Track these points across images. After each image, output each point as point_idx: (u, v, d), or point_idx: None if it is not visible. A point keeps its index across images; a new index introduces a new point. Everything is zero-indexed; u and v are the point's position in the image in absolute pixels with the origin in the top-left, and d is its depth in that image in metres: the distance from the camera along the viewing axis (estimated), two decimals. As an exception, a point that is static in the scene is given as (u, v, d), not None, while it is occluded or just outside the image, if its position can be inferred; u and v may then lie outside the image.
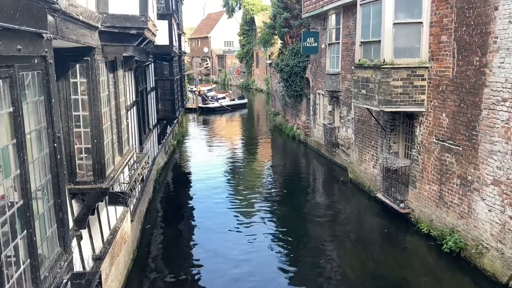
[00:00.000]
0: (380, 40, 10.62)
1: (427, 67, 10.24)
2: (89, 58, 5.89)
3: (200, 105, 34.04)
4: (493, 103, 8.23)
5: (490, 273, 8.39)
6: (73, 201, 6.16)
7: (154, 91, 15.49)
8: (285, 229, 11.66)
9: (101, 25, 6.26)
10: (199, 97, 34.18)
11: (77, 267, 6.04)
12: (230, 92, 40.84)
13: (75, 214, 6.19)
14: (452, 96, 9.46)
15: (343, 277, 9.21)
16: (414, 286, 8.75)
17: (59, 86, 5.72)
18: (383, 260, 9.72)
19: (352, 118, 15.12)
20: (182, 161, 20.21)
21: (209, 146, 23.20)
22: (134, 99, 10.73)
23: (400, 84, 10.40)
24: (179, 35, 19.86)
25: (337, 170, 16.47)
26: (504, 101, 7.98)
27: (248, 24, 49.11)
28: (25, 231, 3.57)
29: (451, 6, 9.38)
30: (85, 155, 6.15)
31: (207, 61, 68.37)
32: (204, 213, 12.87)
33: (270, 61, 29.06)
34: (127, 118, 8.43)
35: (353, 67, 12.53)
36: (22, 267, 3.53)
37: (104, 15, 6.41)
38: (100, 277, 5.45)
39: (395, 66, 10.37)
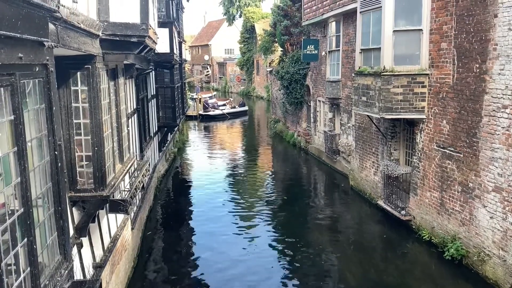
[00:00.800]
0: (380, 47, 10.65)
1: (427, 74, 10.26)
2: (90, 66, 5.91)
3: (201, 112, 34.10)
4: (494, 110, 8.23)
5: (492, 281, 8.35)
6: (73, 208, 6.15)
7: (155, 99, 15.52)
8: (286, 236, 11.62)
9: (102, 33, 6.29)
10: (199, 104, 34.25)
11: (78, 275, 6.02)
12: (231, 99, 40.93)
13: (76, 222, 6.17)
14: (452, 103, 9.46)
15: (344, 284, 9.17)
16: (416, 293, 8.72)
17: (60, 94, 5.73)
18: (384, 268, 9.67)
19: (352, 125, 15.13)
20: (182, 168, 20.20)
21: (210, 153, 23.19)
22: (135, 106, 10.75)
23: (400, 91, 10.42)
24: (180, 43, 19.93)
25: (338, 177, 16.45)
26: (504, 108, 7.98)
27: (249, 32, 49.32)
28: (26, 239, 3.56)
29: (450, 13, 9.41)
30: (86, 162, 6.15)
31: (207, 68, 68.60)
32: (205, 220, 12.83)
33: (271, 69, 29.13)
34: (128, 126, 8.44)
35: (353, 74, 12.55)
36: (22, 276, 3.52)
37: (105, 23, 6.44)
38: (100, 285, 5.44)
39: (395, 73, 10.39)
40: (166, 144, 18.04)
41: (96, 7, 6.33)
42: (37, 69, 3.78)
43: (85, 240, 6.53)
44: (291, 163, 20.46)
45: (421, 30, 10.27)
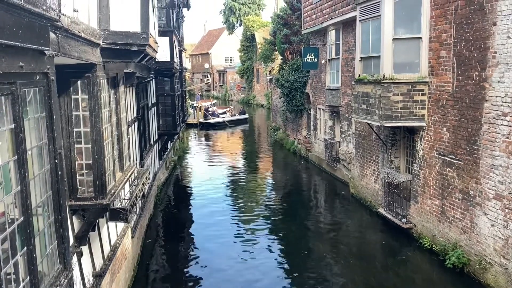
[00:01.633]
0: (379, 56, 10.68)
1: (427, 82, 10.28)
2: (90, 75, 5.92)
3: (201, 120, 34.15)
4: (494, 117, 8.24)
5: (494, 289, 8.31)
6: (73, 217, 6.13)
7: (155, 107, 15.55)
8: (286, 244, 11.58)
9: (102, 42, 6.31)
10: (200, 112, 34.31)
11: (78, 285, 5.99)
12: (232, 107, 41.00)
13: (76, 230, 6.16)
14: (452, 110, 9.47)
15: (345, 293, 9.13)
16: (417, 302, 8.66)
17: (61, 102, 5.74)
18: (385, 276, 9.62)
19: (352, 133, 15.14)
20: (183, 176, 20.18)
21: (210, 161, 23.17)
22: (135, 115, 10.76)
23: (400, 99, 10.43)
24: (180, 51, 20.00)
25: (339, 185, 16.42)
26: (504, 115, 7.99)
27: (249, 40, 49.53)
28: (25, 248, 3.54)
29: (449, 21, 9.45)
30: (86, 171, 6.15)
31: (208, 77, 68.78)
32: (205, 228, 12.79)
33: (271, 77, 29.22)
34: (128, 134, 8.44)
35: (353, 82, 12.58)
36: (21, 285, 3.50)
37: (106, 32, 6.47)
38: (100, 295, 5.40)
39: (395, 81, 10.41)
40: (167, 152, 18.04)
41: (96, 16, 6.36)
42: (38, 78, 3.79)
43: (85, 249, 6.51)
44: (291, 171, 20.44)
45: (420, 38, 10.30)
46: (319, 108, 18.97)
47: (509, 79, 7.86)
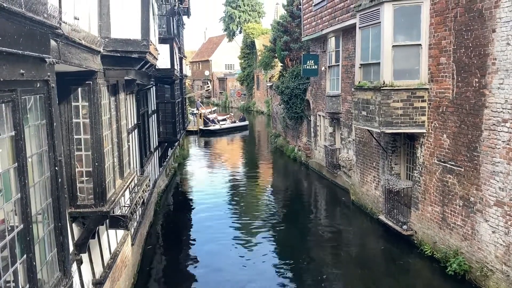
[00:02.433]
0: (379, 62, 10.71)
1: (427, 89, 10.29)
2: (91, 82, 5.93)
3: (201, 127, 34.19)
4: (494, 124, 8.24)
5: (495, 296, 8.26)
6: (73, 224, 6.11)
7: (155, 114, 15.56)
8: (287, 251, 11.53)
9: (103, 49, 6.33)
10: (200, 119, 34.35)
11: (77, 292, 5.96)
12: (232, 114, 41.05)
13: (76, 238, 6.14)
14: (452, 117, 9.48)
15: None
16: (418, 309, 8.62)
17: (61, 109, 5.75)
18: (386, 283, 9.58)
19: (353, 140, 15.14)
20: (183, 183, 20.15)
21: (210, 168, 23.16)
22: (135, 122, 10.77)
23: (400, 105, 10.44)
24: (181, 59, 20.05)
25: (339, 192, 16.40)
26: (504, 122, 7.99)
27: (249, 48, 49.70)
28: (25, 256, 3.53)
29: (449, 28, 9.48)
30: (86, 178, 6.14)
31: (208, 84, 68.93)
32: (205, 235, 12.76)
33: (271, 84, 29.27)
34: (128, 141, 8.44)
35: (353, 89, 12.60)
36: (21, 293, 3.49)
37: (106, 39, 6.49)
38: (100, 302, 5.38)
39: (395, 88, 10.43)
40: (167, 159, 18.02)
41: (97, 24, 6.38)
42: (38, 85, 3.79)
43: (84, 257, 6.48)
44: (291, 178, 20.42)
45: (420, 45, 10.33)
46: (319, 115, 18.99)
47: (508, 86, 7.87)
